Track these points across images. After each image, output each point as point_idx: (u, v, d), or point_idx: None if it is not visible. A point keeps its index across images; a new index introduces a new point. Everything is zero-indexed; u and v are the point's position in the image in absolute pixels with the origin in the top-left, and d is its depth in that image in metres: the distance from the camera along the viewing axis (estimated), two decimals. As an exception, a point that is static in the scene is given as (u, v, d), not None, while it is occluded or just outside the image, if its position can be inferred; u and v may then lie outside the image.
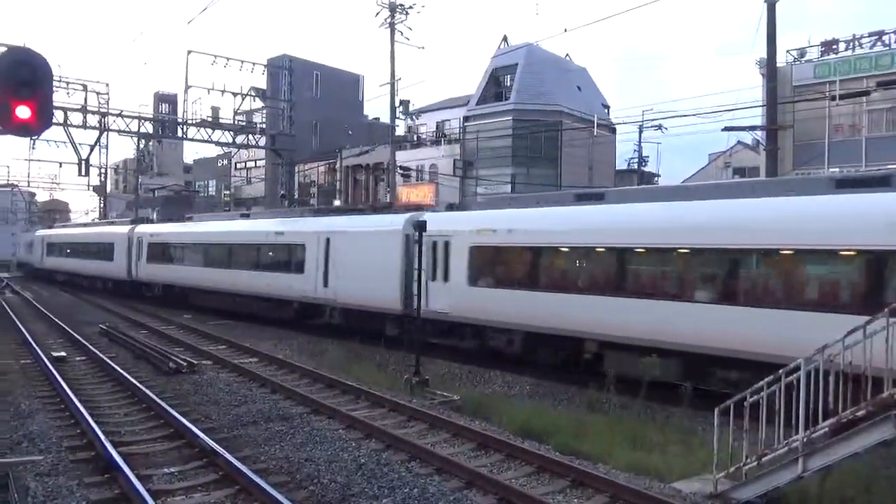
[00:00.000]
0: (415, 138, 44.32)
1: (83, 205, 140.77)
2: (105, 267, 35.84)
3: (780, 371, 7.31)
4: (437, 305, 16.56)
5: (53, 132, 37.51)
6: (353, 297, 19.40)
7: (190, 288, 28.08)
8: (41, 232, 52.68)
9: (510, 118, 36.22)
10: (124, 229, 34.48)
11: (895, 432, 6.38)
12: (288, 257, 22.65)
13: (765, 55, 19.32)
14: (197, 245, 27.97)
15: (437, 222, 16.66)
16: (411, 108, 43.58)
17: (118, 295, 34.05)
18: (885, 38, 26.39)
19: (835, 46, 27.62)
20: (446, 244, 16.61)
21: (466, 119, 38.64)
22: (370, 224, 19.93)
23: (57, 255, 45.17)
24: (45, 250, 47.48)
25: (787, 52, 28.46)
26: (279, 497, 6.95)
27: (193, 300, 28.14)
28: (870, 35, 26.86)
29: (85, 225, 48.23)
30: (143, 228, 33.66)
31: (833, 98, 23.58)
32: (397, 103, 31.76)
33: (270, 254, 23.87)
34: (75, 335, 19.33)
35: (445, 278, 16.60)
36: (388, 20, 29.21)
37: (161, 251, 30.55)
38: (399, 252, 17.85)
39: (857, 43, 27.06)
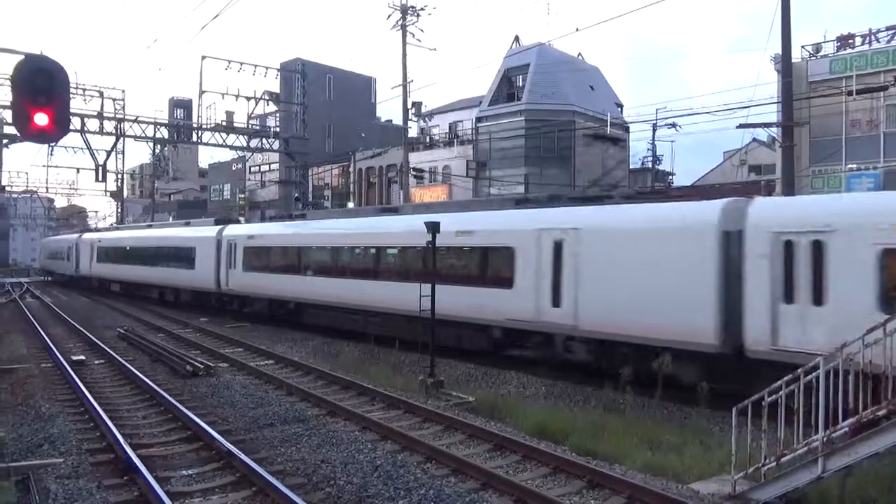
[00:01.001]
0: (427, 140, 44.39)
1: (101, 210, 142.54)
2: (183, 276, 29.61)
3: (799, 370, 7.24)
4: (798, 342, 10.80)
5: (71, 139, 38.10)
6: (615, 322, 13.37)
7: (307, 304, 22.18)
8: (90, 235, 45.51)
9: (522, 118, 36.17)
10: (210, 231, 28.40)
11: (917, 432, 6.30)
12: (481, 265, 16.51)
13: (779, 51, 19.16)
14: (321, 249, 21.98)
15: (793, 211, 11.77)
16: (424, 110, 43.63)
17: (202, 309, 28.61)
18: (903, 31, 26.04)
19: (851, 41, 27.30)
20: (817, 246, 10.81)
21: (479, 120, 38.63)
22: (641, 217, 13.81)
23: (112, 262, 38.27)
24: (96, 256, 40.76)
25: (802, 47, 28.19)
26: (296, 499, 6.98)
27: (313, 319, 22.13)
28: (887, 29, 26.52)
29: (148, 226, 41.36)
30: (235, 230, 27.48)
31: (849, 93, 23.28)
32: (410, 105, 31.83)
33: (451, 260, 17.19)
34: (94, 339, 19.55)
35: (817, 300, 10.79)
36: (400, 22, 29.29)
37: (265, 257, 24.44)
38: (713, 257, 11.99)
39: (873, 37, 26.74)
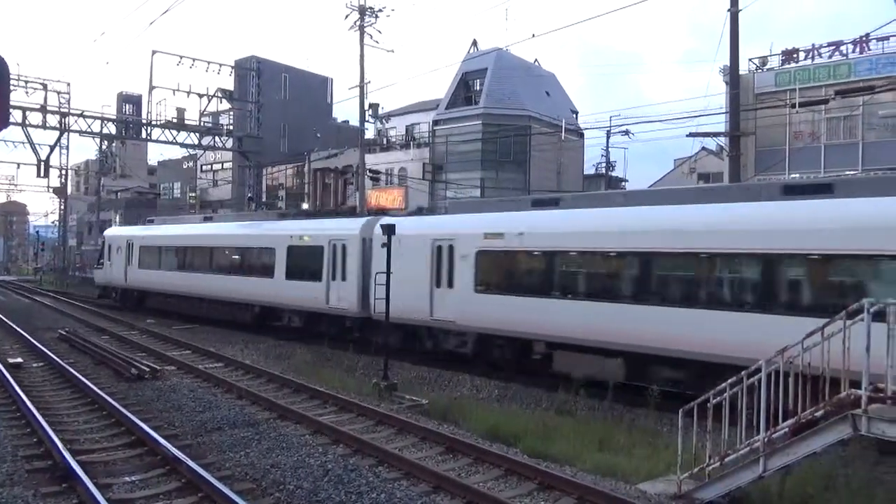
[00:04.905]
0: (384, 142, 44.23)
1: (41, 207, 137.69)
2: None
3: (743, 372, 7.45)
4: None
5: (11, 132, 36.75)
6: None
7: None
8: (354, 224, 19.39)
9: (479, 122, 36.40)
10: None
11: (852, 432, 6.55)
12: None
13: (728, 63, 19.76)
14: None
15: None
16: (381, 112, 43.53)
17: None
18: (843, 48, 27.25)
19: (795, 56, 28.41)
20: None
21: (436, 123, 38.70)
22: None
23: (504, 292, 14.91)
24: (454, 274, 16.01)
25: (750, 60, 29.20)
26: (243, 504, 6.83)
27: None
28: (828, 45, 27.70)
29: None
30: None
31: (793, 106, 24.20)
32: (367, 106, 31.68)
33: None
34: (33, 341, 18.76)
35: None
36: (358, 23, 29.14)
37: None
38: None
39: (816, 52, 27.87)
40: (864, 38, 26.62)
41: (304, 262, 19.88)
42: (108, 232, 33.80)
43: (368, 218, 19.60)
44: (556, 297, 13.84)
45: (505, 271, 15.24)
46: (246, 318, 22.46)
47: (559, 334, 13.66)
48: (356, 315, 18.32)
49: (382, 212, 22.20)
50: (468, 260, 15.46)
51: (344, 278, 18.54)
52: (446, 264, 15.94)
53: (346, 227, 19.18)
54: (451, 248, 15.90)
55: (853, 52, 26.95)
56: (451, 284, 15.82)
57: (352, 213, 21.63)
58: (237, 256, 23.29)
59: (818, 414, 6.79)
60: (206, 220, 28.24)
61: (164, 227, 29.52)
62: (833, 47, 27.51)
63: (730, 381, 7.53)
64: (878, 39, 26.27)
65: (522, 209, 15.48)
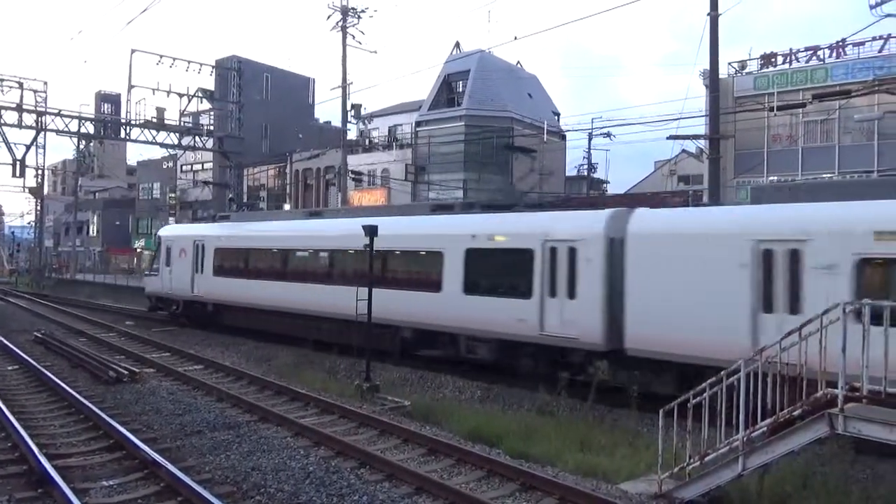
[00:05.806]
0: (367, 142, 44.12)
1: (17, 207, 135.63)
2: None
3: (722, 373, 7.53)
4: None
5: (-14, 131, 35.90)
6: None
7: None
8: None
9: (462, 124, 36.42)
10: None
11: (829, 431, 6.64)
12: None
13: (708, 66, 19.97)
14: None
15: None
16: (363, 113, 43.42)
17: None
18: (820, 53, 27.69)
19: (773, 60, 28.81)
20: None
21: (418, 124, 38.67)
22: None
23: None
24: None
25: (729, 64, 29.57)
26: (224, 508, 6.77)
27: None
28: (805, 49, 28.14)
29: None
30: None
31: (771, 109, 24.54)
32: (349, 107, 31.61)
33: None
34: (7, 343, 18.42)
35: None
36: (340, 23, 29.08)
37: None
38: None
39: (793, 57, 28.29)
40: (840, 44, 27.07)
41: (497, 272, 14.91)
42: (166, 231, 27.44)
43: (614, 210, 13.84)
44: None
45: None
46: (385, 344, 16.47)
47: None
48: (596, 347, 12.92)
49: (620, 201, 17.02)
50: (838, 272, 10.09)
51: (572, 295, 13.34)
52: (783, 277, 10.77)
53: (577, 224, 13.86)
54: (793, 252, 10.70)
55: (830, 56, 27.41)
56: (793, 309, 10.49)
57: (565, 202, 16.13)
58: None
59: (796, 413, 6.88)
60: (313, 215, 22.51)
61: (252, 225, 23.71)
62: (810, 52, 27.94)
63: (709, 381, 7.61)
64: (854, 45, 26.74)
65: None
